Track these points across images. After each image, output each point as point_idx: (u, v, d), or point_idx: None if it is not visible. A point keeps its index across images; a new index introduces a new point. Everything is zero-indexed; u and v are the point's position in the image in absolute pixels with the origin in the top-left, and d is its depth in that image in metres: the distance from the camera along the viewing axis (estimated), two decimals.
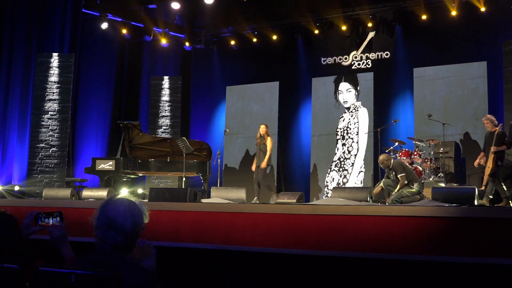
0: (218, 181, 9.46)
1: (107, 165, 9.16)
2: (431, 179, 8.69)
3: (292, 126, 12.41)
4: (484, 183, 7.61)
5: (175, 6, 11.81)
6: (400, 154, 8.95)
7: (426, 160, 8.85)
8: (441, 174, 8.81)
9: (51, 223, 2.54)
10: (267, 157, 9.15)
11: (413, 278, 5.03)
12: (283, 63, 12.58)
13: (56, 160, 10.46)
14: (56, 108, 10.64)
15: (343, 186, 10.80)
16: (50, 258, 2.61)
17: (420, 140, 9.27)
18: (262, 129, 9.57)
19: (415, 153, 8.97)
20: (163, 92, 12.66)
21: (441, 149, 9.04)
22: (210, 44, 13.27)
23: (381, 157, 7.99)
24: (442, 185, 8.33)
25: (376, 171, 10.13)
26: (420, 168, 8.80)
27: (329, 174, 11.34)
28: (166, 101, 12.62)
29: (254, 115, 12.31)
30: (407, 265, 5.02)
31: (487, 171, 7.52)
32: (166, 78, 12.69)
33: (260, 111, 12.29)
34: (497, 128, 7.69)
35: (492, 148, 7.50)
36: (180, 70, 13.52)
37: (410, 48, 11.26)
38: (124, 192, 9.64)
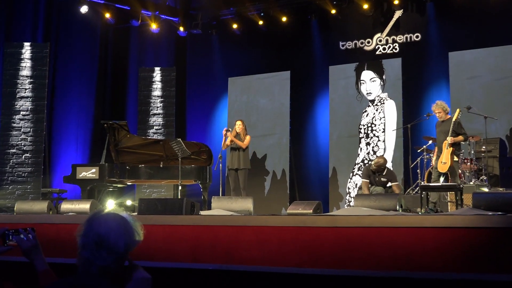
0: (220, 189, 9.46)
1: (89, 173, 9.18)
2: (471, 183, 8.65)
3: (306, 123, 12.39)
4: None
5: None
6: (434, 154, 8.93)
7: (465, 160, 8.82)
8: (483, 177, 8.77)
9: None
10: (239, 142, 9.58)
11: None
12: (294, 50, 12.58)
13: (30, 168, 10.52)
14: (29, 107, 10.70)
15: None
16: (21, 280, 2.63)
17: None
18: (239, 125, 9.68)
19: None
20: (154, 86, 12.69)
21: (483, 147, 8.99)
22: (208, 28, 13.29)
23: (381, 160, 8.96)
24: (485, 189, 8.30)
25: (406, 175, 10.10)
26: (460, 171, 8.76)
27: (351, 179, 11.32)
28: (158, 96, 12.65)
29: (262, 111, 12.32)
30: (443, 285, 5.00)
31: (443, 167, 7.90)
32: (157, 69, 12.73)
33: (268, 106, 12.30)
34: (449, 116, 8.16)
35: (449, 139, 7.89)
36: (173, 59, 13.55)
37: (445, 29, 11.22)
38: (110, 204, 9.67)
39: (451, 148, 7.93)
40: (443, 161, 7.90)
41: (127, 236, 2.20)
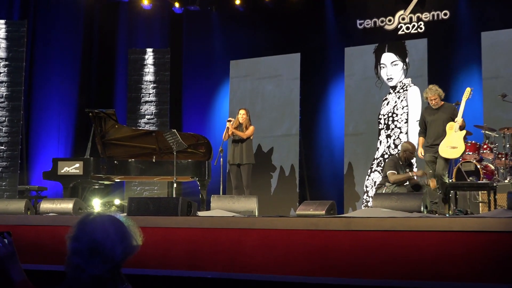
0: (221, 187, 9.46)
1: (72, 168, 9.20)
2: (506, 181, 8.63)
3: (318, 112, 12.38)
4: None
5: None
6: (419, 146, 8.92)
7: (499, 155, 8.79)
8: None
9: None
10: (239, 133, 9.61)
11: None
12: (305, 29, 12.55)
13: (5, 163, 10.54)
14: (4, 94, 10.72)
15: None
16: None
17: (491, 129, 9.20)
18: (242, 115, 9.67)
19: (485, 146, 8.92)
20: (146, 70, 12.68)
21: None
22: (207, 4, 13.28)
23: (410, 145, 8.81)
24: None
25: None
26: (492, 167, 8.74)
27: (369, 176, 11.32)
28: (150, 81, 12.65)
29: (268, 99, 12.31)
30: None
31: (452, 153, 7.81)
32: (149, 51, 12.72)
33: (275, 93, 12.29)
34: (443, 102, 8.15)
35: (460, 121, 7.80)
36: (168, 40, 13.54)
37: (477, 6, 11.18)
38: (96, 204, 9.69)
39: (464, 131, 7.89)
40: (452, 145, 7.78)
41: (125, 243, 2.19)
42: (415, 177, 8.70)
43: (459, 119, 7.82)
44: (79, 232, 2.18)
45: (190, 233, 6.17)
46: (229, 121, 9.71)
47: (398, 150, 10.45)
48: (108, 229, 2.17)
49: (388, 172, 8.65)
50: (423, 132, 8.35)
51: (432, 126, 8.18)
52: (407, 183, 8.66)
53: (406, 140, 9.59)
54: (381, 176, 10.45)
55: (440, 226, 5.27)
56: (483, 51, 10.65)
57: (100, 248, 2.14)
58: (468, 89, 8.03)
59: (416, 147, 8.73)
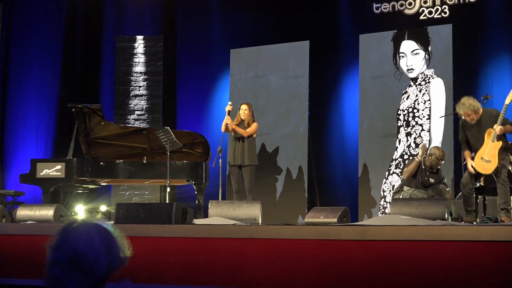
0: (220, 192, 9.46)
1: (53, 171, 9.21)
2: None
3: (330, 107, 12.38)
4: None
5: None
6: (468, 159, 8.89)
7: None
8: None
9: None
10: (240, 130, 9.61)
11: None
12: (315, 13, 12.54)
13: None
14: None
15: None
16: None
17: None
18: (244, 110, 9.68)
19: None
20: (136, 60, 12.70)
21: None
22: None
23: (441, 153, 8.81)
24: None
25: (458, 174, 10.07)
26: None
27: (386, 179, 11.32)
28: (141, 73, 12.66)
29: (273, 92, 12.30)
30: None
31: (485, 167, 7.55)
32: (140, 38, 12.73)
33: (281, 85, 12.29)
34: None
35: (498, 129, 7.44)
36: (161, 26, 13.54)
37: None
38: (80, 210, 9.70)
39: (500, 142, 7.48)
40: (485, 158, 7.46)
41: (111, 255, 2.19)
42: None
43: (497, 126, 7.45)
44: (60, 241, 2.17)
45: (185, 244, 6.18)
46: (229, 109, 9.67)
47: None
48: (93, 239, 2.17)
49: (404, 170, 8.75)
50: (466, 147, 7.91)
51: (476, 144, 7.76)
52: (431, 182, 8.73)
53: (436, 146, 9.56)
54: (400, 180, 10.47)
55: (467, 235, 5.27)
56: None
57: (83, 260, 2.14)
58: None
59: (464, 160, 8.53)
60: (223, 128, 9.67)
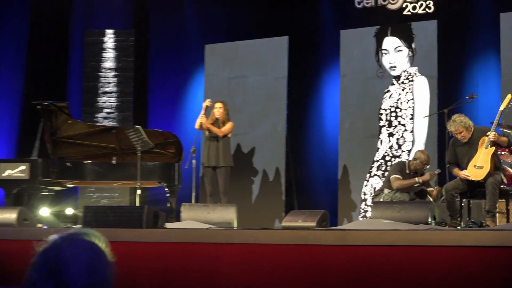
0: (193, 194, 9.45)
1: (16, 171, 9.14)
2: None
3: (309, 106, 12.39)
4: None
5: None
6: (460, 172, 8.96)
7: None
8: None
9: None
10: (215, 129, 9.61)
11: None
12: (295, 8, 12.55)
13: None
14: None
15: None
16: None
17: (511, 127, 9.27)
18: (219, 109, 9.70)
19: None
20: (106, 55, 12.64)
21: None
22: None
23: (426, 157, 8.84)
24: None
25: (442, 177, 10.13)
26: (511, 171, 8.80)
27: (367, 181, 11.35)
28: (111, 68, 12.61)
29: (250, 90, 12.30)
30: None
31: (476, 174, 7.60)
32: (109, 32, 12.68)
33: (259, 83, 12.29)
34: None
35: (492, 135, 7.52)
36: (132, 19, 13.49)
37: None
38: (44, 213, 9.63)
39: (494, 148, 7.56)
40: (477, 165, 7.52)
41: (91, 279, 2.17)
42: (421, 181, 8.75)
43: (491, 132, 7.54)
44: (50, 246, 2.16)
45: (157, 249, 6.17)
46: (207, 105, 9.67)
47: (402, 152, 10.54)
48: (80, 255, 2.15)
49: (392, 177, 8.66)
50: (454, 165, 7.96)
51: (465, 163, 7.81)
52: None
53: (422, 149, 9.59)
54: (381, 182, 10.50)
55: (451, 240, 5.31)
56: (502, 35, 10.70)
57: (61, 272, 2.11)
58: (508, 96, 7.73)
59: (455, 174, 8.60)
60: (197, 125, 9.67)
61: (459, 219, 7.67)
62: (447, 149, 8.75)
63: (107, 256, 2.21)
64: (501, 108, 7.70)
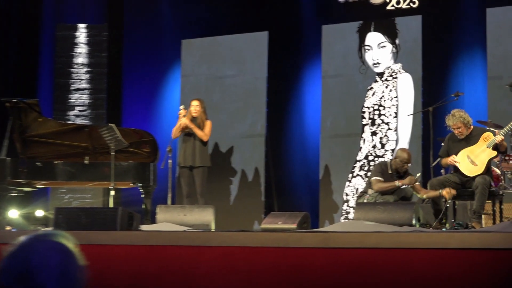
0: (169, 195, 9.43)
1: None
2: None
3: (290, 104, 12.40)
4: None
5: None
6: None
7: (507, 158, 8.91)
8: None
9: None
10: (199, 131, 9.59)
11: None
12: (275, 3, 12.56)
13: None
14: None
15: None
16: None
17: (498, 126, 9.31)
18: (196, 107, 9.71)
19: None
20: (78, 51, 12.59)
21: None
22: None
23: (407, 155, 8.73)
24: None
25: (426, 177, 10.19)
26: (498, 171, 8.85)
27: (350, 182, 11.38)
28: (83, 64, 12.56)
29: (228, 87, 12.30)
30: None
31: (471, 170, 7.66)
32: (82, 26, 12.62)
33: (237, 80, 12.29)
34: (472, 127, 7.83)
35: (499, 138, 7.57)
36: (105, 13, 13.43)
37: None
38: (13, 215, 9.57)
39: (495, 152, 7.63)
40: (472, 158, 7.59)
41: (64, 280, 2.16)
42: (402, 186, 8.72)
43: (499, 135, 7.58)
44: (18, 249, 2.14)
45: (131, 252, 6.15)
46: (182, 110, 9.65)
47: (386, 151, 10.57)
48: (50, 258, 2.13)
49: (373, 179, 8.65)
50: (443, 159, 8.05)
51: (454, 152, 7.89)
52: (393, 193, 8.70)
53: (403, 148, 9.56)
54: (364, 183, 10.53)
55: (436, 242, 5.33)
56: (488, 31, 10.75)
57: (31, 276, 2.10)
58: None
59: (434, 162, 8.62)
60: (174, 134, 9.65)
61: (444, 219, 7.70)
62: (431, 149, 8.82)
63: (78, 259, 2.20)
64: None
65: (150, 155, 9.63)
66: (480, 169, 7.57)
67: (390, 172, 8.72)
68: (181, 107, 9.84)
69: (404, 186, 8.68)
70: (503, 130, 7.68)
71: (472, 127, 7.84)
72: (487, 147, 7.60)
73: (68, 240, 2.25)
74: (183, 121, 9.55)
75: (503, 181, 8.82)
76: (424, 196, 8.61)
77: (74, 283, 2.17)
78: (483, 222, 8.40)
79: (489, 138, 7.62)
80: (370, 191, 8.70)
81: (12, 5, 13.31)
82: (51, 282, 2.10)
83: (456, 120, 7.74)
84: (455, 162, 7.65)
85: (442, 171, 8.96)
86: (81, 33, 12.59)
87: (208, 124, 9.70)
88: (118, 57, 13.35)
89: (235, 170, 12.08)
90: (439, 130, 9.97)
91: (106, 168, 9.15)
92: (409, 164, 8.89)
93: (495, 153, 7.63)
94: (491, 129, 8.22)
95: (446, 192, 7.81)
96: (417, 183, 8.74)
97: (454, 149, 7.88)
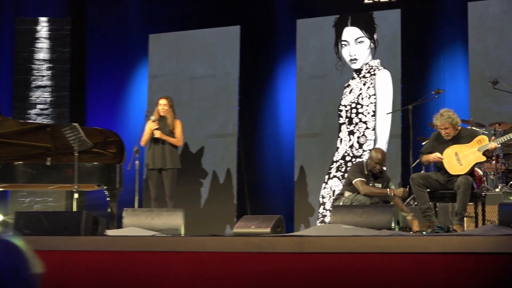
0: (136, 198, 9.41)
1: None
2: (497, 189, 8.83)
3: (263, 102, 12.41)
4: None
5: None
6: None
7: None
8: None
9: None
10: (172, 139, 9.67)
11: None
12: None
13: None
14: None
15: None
16: None
17: (480, 125, 9.39)
18: (163, 105, 9.73)
19: None
20: (39, 46, 12.52)
21: None
22: None
23: (381, 155, 8.70)
24: None
25: (406, 178, 10.23)
26: (480, 172, 8.92)
27: (326, 183, 11.40)
28: (45, 60, 12.50)
29: (198, 84, 12.28)
30: None
31: (455, 169, 7.70)
32: (43, 20, 12.56)
33: (208, 76, 12.27)
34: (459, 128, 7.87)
35: (496, 142, 7.63)
36: (68, 6, 13.38)
37: None
38: None
39: (485, 158, 7.65)
40: (459, 157, 7.60)
41: (18, 282, 2.14)
42: (392, 195, 8.64)
43: (494, 143, 7.58)
44: None
45: (96, 258, 6.12)
46: (152, 121, 9.62)
47: (364, 151, 10.61)
48: (3, 257, 2.12)
49: (356, 180, 8.54)
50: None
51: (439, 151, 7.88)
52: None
53: (376, 147, 9.58)
54: (341, 184, 10.55)
55: (416, 246, 5.35)
56: (470, 26, 10.81)
57: None
58: None
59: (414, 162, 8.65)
60: (143, 142, 9.63)
61: (432, 213, 7.64)
62: (411, 149, 8.84)
63: (29, 258, 2.18)
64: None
65: (116, 156, 9.60)
66: (464, 169, 7.58)
67: (366, 172, 8.71)
68: (152, 117, 9.74)
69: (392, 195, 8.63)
70: (500, 139, 7.70)
71: (460, 128, 7.84)
72: (478, 150, 7.58)
73: (17, 239, 2.23)
74: (157, 134, 9.54)
75: (485, 183, 8.88)
76: (404, 214, 8.57)
77: (27, 281, 2.15)
78: (465, 225, 8.46)
79: (483, 142, 7.60)
80: (347, 193, 8.71)
81: None
82: (6, 283, 2.09)
83: (444, 120, 7.70)
84: (440, 158, 7.65)
85: (422, 171, 8.98)
86: (42, 27, 12.52)
87: (178, 126, 9.70)
88: (82, 52, 13.30)
89: (205, 172, 12.06)
90: (419, 129, 10.05)
91: (70, 169, 9.12)
92: (381, 165, 8.78)
93: (483, 158, 7.64)
94: (477, 130, 8.23)
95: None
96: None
97: (439, 150, 7.84)
